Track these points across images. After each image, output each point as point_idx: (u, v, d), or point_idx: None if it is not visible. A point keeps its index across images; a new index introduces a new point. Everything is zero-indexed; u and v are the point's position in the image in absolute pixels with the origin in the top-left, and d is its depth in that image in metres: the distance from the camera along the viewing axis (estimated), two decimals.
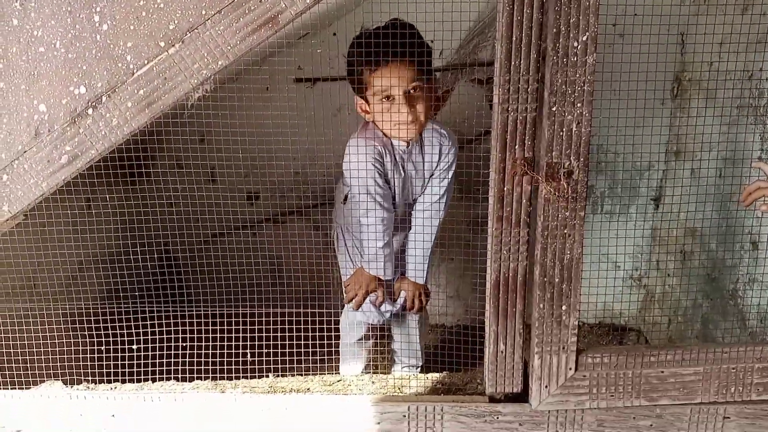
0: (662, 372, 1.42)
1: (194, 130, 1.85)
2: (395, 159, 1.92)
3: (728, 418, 1.43)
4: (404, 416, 1.49)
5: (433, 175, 1.98)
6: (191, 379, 1.60)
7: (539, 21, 1.23)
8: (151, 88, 1.26)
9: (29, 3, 1.22)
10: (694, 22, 2.38)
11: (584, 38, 1.22)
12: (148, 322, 1.62)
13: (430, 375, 1.61)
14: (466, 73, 2.51)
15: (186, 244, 2.02)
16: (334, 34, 2.49)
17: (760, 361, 1.40)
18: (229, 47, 1.25)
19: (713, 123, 2.24)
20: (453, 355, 1.81)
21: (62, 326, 1.65)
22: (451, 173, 1.98)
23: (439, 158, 1.95)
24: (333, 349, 1.77)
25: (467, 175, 1.98)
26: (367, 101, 1.85)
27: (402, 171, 1.94)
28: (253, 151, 1.99)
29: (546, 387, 1.43)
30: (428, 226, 1.96)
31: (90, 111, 1.28)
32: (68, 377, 1.60)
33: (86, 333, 1.68)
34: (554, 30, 1.22)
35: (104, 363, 1.63)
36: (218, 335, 1.65)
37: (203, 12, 1.22)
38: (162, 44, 1.24)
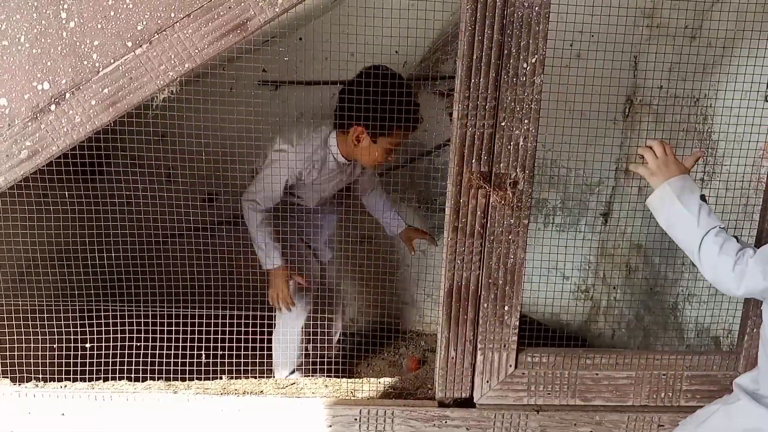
0: (597, 374, 1.51)
1: (156, 129, 1.84)
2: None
3: (662, 426, 1.51)
4: (356, 419, 1.52)
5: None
6: (144, 379, 1.60)
7: (499, 42, 1.29)
8: (116, 87, 1.27)
9: None
10: (647, 47, 2.49)
11: (533, 60, 1.29)
12: (103, 321, 1.61)
13: (382, 379, 1.65)
14: (428, 85, 2.56)
15: (142, 243, 2.01)
16: (300, 39, 2.52)
17: (689, 369, 1.50)
18: (196, 51, 1.26)
19: None
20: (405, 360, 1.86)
21: (12, 323, 1.62)
22: None
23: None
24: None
25: (425, 186, 2.04)
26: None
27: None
28: (214, 152, 2.00)
29: (487, 382, 1.50)
30: None
31: (53, 107, 1.27)
32: (17, 375, 1.58)
33: (37, 331, 1.66)
34: (506, 51, 1.29)
35: (56, 361, 1.61)
36: (172, 336, 1.65)
37: (172, 15, 1.24)
38: (129, 44, 1.25)
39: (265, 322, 1.67)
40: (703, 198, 1.27)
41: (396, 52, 2.47)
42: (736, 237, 1.23)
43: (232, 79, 2.26)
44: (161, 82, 1.28)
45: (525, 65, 1.29)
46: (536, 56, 1.28)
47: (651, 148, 1.32)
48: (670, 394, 1.51)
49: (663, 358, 1.50)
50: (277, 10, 1.26)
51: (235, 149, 1.95)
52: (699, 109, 2.19)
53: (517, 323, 1.45)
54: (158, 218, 1.87)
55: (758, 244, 1.43)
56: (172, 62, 1.27)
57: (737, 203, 1.73)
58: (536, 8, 1.25)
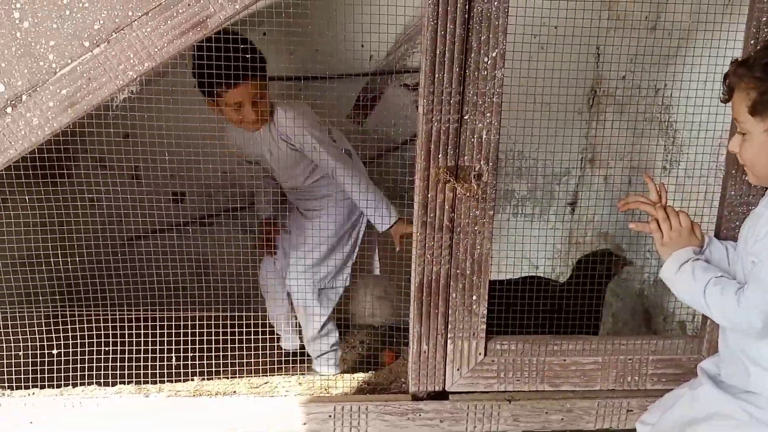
0: (564, 360, 1.53)
1: (119, 130, 1.81)
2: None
3: (632, 411, 1.54)
4: (330, 416, 1.52)
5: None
6: (114, 384, 1.58)
7: (462, 37, 1.29)
8: (74, 88, 1.24)
9: None
10: (609, 39, 2.52)
11: (494, 54, 1.31)
12: (70, 326, 1.58)
13: (356, 375, 1.65)
14: (395, 78, 2.56)
15: (109, 245, 1.98)
16: (264, 34, 2.49)
17: (655, 353, 1.53)
18: (156, 49, 1.24)
19: (624, 135, 2.39)
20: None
21: None
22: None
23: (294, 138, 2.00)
24: (261, 351, 1.78)
25: (393, 182, 2.04)
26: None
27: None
28: (179, 151, 1.97)
29: (458, 370, 1.52)
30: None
31: (9, 110, 1.24)
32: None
33: (1, 339, 1.62)
34: (467, 46, 1.30)
35: (22, 369, 1.58)
36: (143, 339, 1.63)
37: (130, 13, 1.22)
38: (86, 44, 1.22)
39: (236, 322, 1.66)
40: (697, 254, 1.28)
41: (362, 46, 2.47)
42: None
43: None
44: (120, 82, 1.26)
45: (486, 59, 1.30)
46: (497, 50, 1.29)
47: (668, 218, 1.32)
48: (636, 378, 1.54)
49: (629, 342, 1.53)
50: (237, 6, 1.25)
51: (201, 148, 1.93)
52: (661, 99, 2.23)
53: (485, 312, 1.47)
54: (125, 219, 1.85)
55: (717, 230, 1.46)
56: (132, 61, 1.25)
57: (698, 191, 1.76)
58: (495, 3, 1.26)
